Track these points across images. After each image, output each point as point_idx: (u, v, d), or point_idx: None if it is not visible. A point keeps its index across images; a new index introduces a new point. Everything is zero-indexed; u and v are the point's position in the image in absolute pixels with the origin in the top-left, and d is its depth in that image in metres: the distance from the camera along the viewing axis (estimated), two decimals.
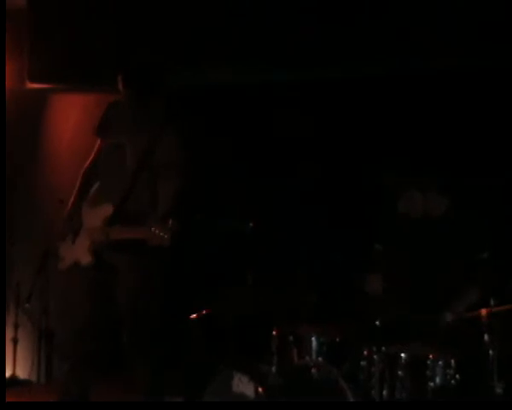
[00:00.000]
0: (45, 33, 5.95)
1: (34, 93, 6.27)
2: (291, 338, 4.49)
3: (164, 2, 5.76)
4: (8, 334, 6.27)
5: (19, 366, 6.31)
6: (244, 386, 4.28)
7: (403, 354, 4.14)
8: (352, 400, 4.10)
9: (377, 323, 4.32)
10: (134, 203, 4.33)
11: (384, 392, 4.18)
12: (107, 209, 4.34)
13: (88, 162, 4.59)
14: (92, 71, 5.11)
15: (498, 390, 4.07)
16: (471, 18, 5.09)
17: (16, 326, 6.25)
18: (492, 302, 4.16)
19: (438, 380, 4.08)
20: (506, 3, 5.02)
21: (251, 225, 5.09)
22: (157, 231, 4.06)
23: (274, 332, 4.55)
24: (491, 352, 4.11)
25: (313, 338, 4.45)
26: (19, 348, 6.29)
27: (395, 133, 5.54)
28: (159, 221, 4.13)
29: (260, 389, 4.26)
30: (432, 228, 4.65)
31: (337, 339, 4.45)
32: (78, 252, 4.42)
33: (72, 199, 4.56)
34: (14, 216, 6.43)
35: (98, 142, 4.55)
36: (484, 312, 4.15)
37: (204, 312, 4.90)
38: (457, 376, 4.09)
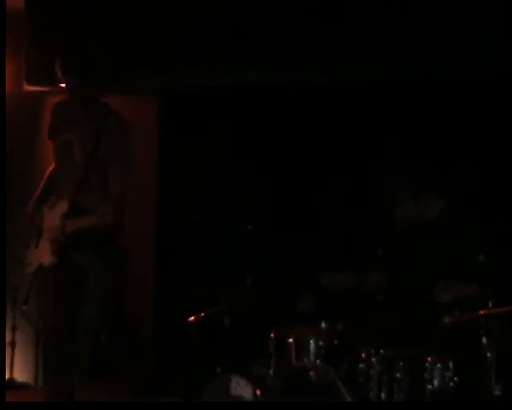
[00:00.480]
0: (43, 36, 5.95)
1: (32, 95, 6.26)
2: (289, 340, 4.49)
3: (163, 3, 5.76)
4: (6, 337, 6.25)
5: (16, 369, 6.30)
6: (242, 388, 4.27)
7: (401, 357, 4.14)
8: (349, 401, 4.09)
9: (375, 325, 4.33)
10: (87, 197, 4.37)
11: (382, 394, 4.17)
12: (63, 206, 4.40)
13: (50, 167, 4.66)
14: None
15: (496, 392, 4.07)
16: (473, 21, 5.09)
17: (14, 329, 6.24)
18: (490, 304, 4.15)
19: (436, 382, 4.07)
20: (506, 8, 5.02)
21: (249, 226, 5.08)
22: (105, 214, 4.17)
23: (272, 334, 4.54)
24: (489, 354, 4.11)
25: (311, 340, 4.45)
26: (16, 350, 6.28)
27: (394, 135, 5.53)
28: (107, 208, 4.22)
29: (258, 392, 4.25)
30: (429, 230, 4.65)
31: (335, 341, 4.44)
32: (41, 255, 4.47)
33: (31, 204, 4.62)
34: (12, 218, 6.41)
35: (52, 145, 4.60)
36: (482, 313, 4.14)
37: (202, 314, 4.89)
38: (455, 378, 4.09)
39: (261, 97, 5.89)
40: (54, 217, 4.44)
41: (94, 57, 4.59)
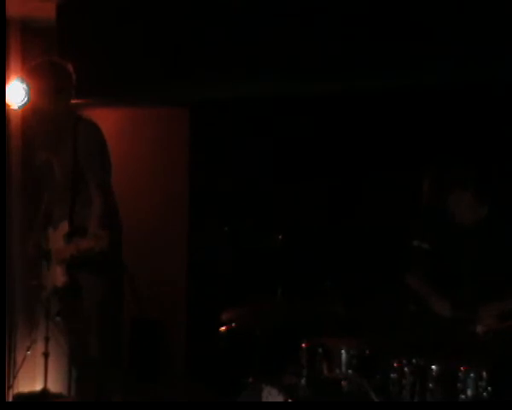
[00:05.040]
0: (74, 49, 6.00)
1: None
2: (320, 351, 4.47)
3: (194, 15, 5.78)
4: (40, 348, 6.30)
5: (50, 380, 6.34)
6: (274, 398, 4.26)
7: (433, 366, 4.10)
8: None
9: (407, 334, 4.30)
10: (80, 215, 4.38)
11: None
12: (64, 226, 4.40)
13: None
14: (118, 85, 5.17)
15: None
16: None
17: (47, 340, 6.29)
18: None
19: (469, 392, 4.02)
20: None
21: (280, 237, 5.08)
22: (94, 242, 4.14)
23: (303, 345, 4.52)
24: None
25: (343, 351, 4.42)
26: (50, 361, 6.32)
27: (439, 136, 5.48)
28: (96, 230, 4.21)
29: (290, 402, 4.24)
30: (471, 232, 4.60)
31: (367, 351, 4.41)
32: (54, 278, 4.52)
33: (37, 226, 4.68)
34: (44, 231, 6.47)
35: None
36: None
37: (233, 324, 4.89)
38: (489, 388, 4.04)
39: (292, 108, 5.88)
40: (57, 240, 4.46)
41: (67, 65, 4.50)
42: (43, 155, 4.51)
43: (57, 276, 4.46)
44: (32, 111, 4.59)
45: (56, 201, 4.53)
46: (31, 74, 4.40)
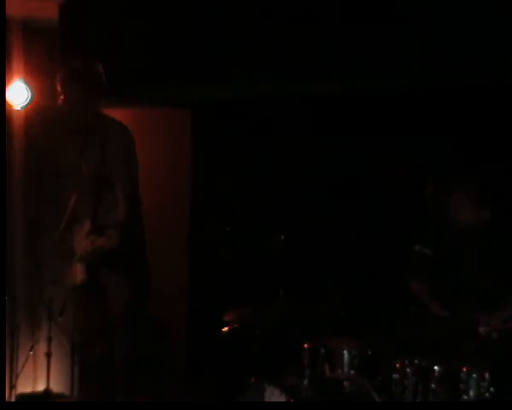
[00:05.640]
0: (77, 49, 6.00)
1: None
2: (322, 351, 4.47)
3: (195, 16, 5.78)
4: (42, 348, 6.30)
5: (52, 381, 6.34)
6: (276, 399, 4.26)
7: (436, 367, 4.10)
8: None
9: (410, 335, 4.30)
10: (104, 215, 4.48)
11: None
12: (86, 226, 4.52)
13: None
14: (120, 85, 5.17)
15: None
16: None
17: (49, 340, 6.29)
18: None
19: (472, 393, 4.02)
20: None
21: (282, 237, 5.08)
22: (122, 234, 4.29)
23: (305, 345, 4.53)
24: None
25: (345, 351, 4.42)
26: (52, 361, 6.32)
27: (439, 138, 5.47)
28: (123, 228, 4.36)
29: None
30: (473, 236, 4.60)
31: (369, 352, 4.42)
32: (74, 276, 4.62)
33: (61, 227, 4.77)
34: (45, 230, 6.48)
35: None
36: None
37: (236, 325, 4.90)
38: (492, 389, 4.04)
39: (293, 109, 5.88)
40: (80, 239, 4.56)
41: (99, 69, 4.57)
42: (72, 156, 4.57)
43: (77, 273, 4.55)
44: (63, 113, 4.66)
45: (82, 200, 4.60)
46: (64, 79, 4.42)
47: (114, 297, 4.51)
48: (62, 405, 4.48)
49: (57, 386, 6.37)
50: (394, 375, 4.21)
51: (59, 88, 4.46)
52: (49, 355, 6.28)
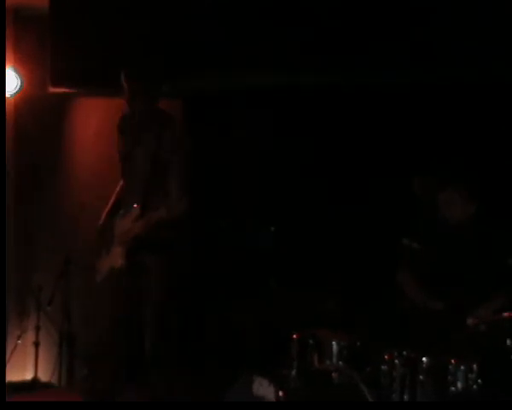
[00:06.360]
0: (67, 37, 5.98)
1: (57, 98, 6.31)
2: (311, 342, 4.48)
3: (190, 6, 5.77)
4: (30, 337, 6.30)
5: (40, 369, 6.34)
6: (264, 389, 4.26)
7: (424, 359, 4.11)
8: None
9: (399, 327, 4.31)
10: (153, 201, 4.55)
11: (405, 397, 4.15)
12: (134, 212, 4.57)
13: (120, 184, 4.83)
14: (115, 74, 5.15)
15: None
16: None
17: (38, 329, 6.28)
18: None
19: (459, 385, 4.04)
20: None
21: (273, 229, 5.09)
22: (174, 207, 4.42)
23: (294, 336, 4.53)
24: None
25: (334, 342, 4.43)
26: (40, 350, 6.32)
27: (427, 135, 5.49)
28: (174, 201, 4.47)
29: (281, 393, 4.25)
30: (460, 230, 4.62)
31: (358, 343, 4.43)
32: (112, 260, 4.64)
33: (103, 215, 4.83)
34: (36, 220, 6.46)
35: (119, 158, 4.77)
36: (506, 316, 4.11)
37: (224, 316, 4.91)
38: (479, 381, 4.06)
39: (288, 101, 5.87)
40: (124, 224, 4.62)
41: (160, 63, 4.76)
42: (128, 146, 4.68)
43: (116, 259, 4.59)
44: (123, 108, 4.77)
45: (130, 188, 4.68)
46: (125, 76, 4.57)
47: (157, 284, 4.56)
48: (63, 405, 4.47)
49: (45, 375, 6.36)
50: (383, 366, 4.22)
51: (123, 83, 4.57)
52: (37, 344, 6.28)
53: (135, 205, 4.57)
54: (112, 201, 4.86)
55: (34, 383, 6.25)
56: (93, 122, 6.40)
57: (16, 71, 6.24)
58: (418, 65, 5.22)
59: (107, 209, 4.84)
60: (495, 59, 5.01)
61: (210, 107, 6.19)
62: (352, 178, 5.70)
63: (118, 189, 4.86)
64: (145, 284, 4.58)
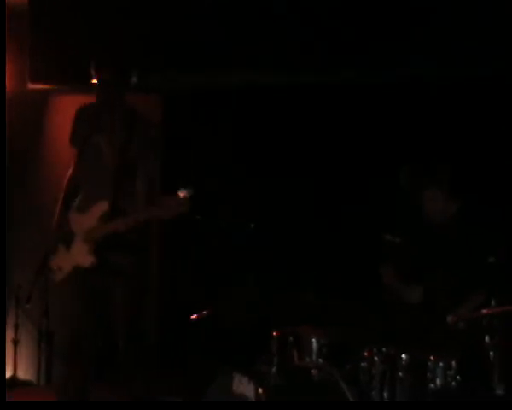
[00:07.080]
0: (46, 34, 5.95)
1: (35, 94, 6.27)
2: (291, 339, 4.48)
3: (171, 3, 5.75)
4: (9, 335, 6.26)
5: (19, 367, 6.31)
6: (244, 387, 4.26)
7: (403, 356, 4.12)
8: (352, 401, 4.08)
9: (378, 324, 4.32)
10: (121, 198, 4.46)
11: (384, 393, 4.16)
12: (101, 207, 4.43)
13: (70, 172, 4.64)
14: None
15: (499, 391, 4.06)
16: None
17: (17, 327, 6.25)
18: (493, 303, 4.15)
19: (438, 381, 4.06)
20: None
21: (252, 225, 5.08)
22: (172, 203, 4.34)
23: (274, 333, 4.53)
24: (491, 353, 4.10)
25: (314, 339, 4.44)
26: (19, 349, 6.29)
27: (411, 134, 5.50)
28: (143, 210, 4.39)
29: (260, 390, 4.24)
30: (443, 228, 4.63)
31: (337, 340, 4.43)
32: (77, 257, 4.48)
33: (57, 209, 4.62)
34: (14, 216, 6.42)
35: (74, 151, 4.60)
36: (484, 313, 4.13)
37: (204, 312, 4.89)
38: (458, 377, 4.08)
39: (265, 98, 5.87)
40: (89, 219, 4.47)
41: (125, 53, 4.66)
42: (93, 138, 4.52)
43: (81, 256, 4.46)
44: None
45: (93, 183, 4.54)
46: (95, 62, 4.48)
47: (124, 282, 4.47)
48: (62, 405, 4.43)
49: (24, 373, 6.33)
50: (362, 363, 4.23)
51: (91, 71, 4.45)
52: (16, 342, 6.24)
53: (99, 202, 4.44)
54: (64, 192, 4.65)
55: (13, 382, 6.21)
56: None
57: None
58: (418, 65, 5.25)
59: (60, 202, 4.63)
60: (495, 59, 5.04)
61: (190, 103, 6.19)
62: (351, 178, 5.72)
63: (68, 177, 4.64)
64: (117, 283, 4.47)
